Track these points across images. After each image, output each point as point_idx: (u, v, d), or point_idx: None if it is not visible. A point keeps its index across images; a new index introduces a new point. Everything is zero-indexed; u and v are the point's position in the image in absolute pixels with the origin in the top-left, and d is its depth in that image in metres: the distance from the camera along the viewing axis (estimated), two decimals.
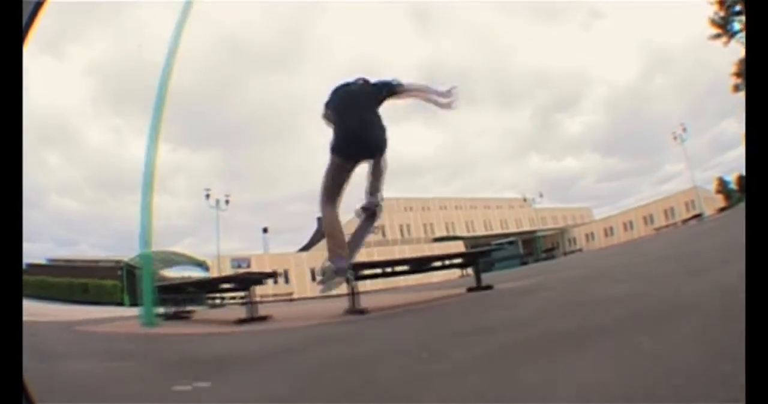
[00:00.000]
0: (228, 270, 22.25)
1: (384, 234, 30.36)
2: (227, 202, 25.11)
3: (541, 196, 33.11)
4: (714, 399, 1.19)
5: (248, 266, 24.31)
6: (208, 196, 25.07)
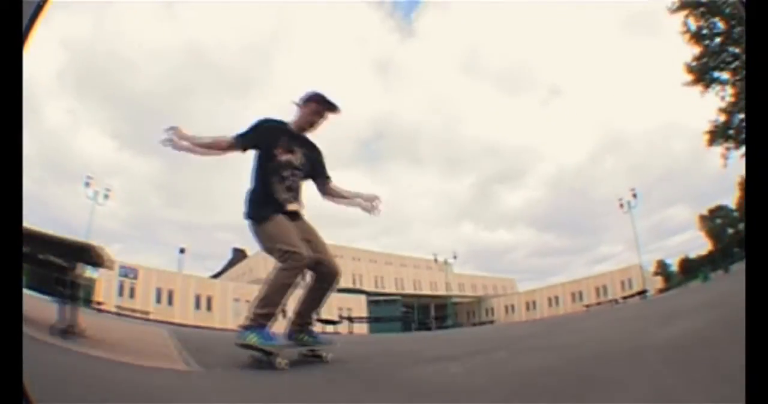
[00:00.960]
0: (115, 279, 20.71)
1: None
2: (107, 196, 23.39)
3: (455, 257, 30.32)
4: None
5: (135, 277, 23.43)
6: (87, 183, 23.00)
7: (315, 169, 2.84)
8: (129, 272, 23.96)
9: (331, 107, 2.78)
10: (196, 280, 24.91)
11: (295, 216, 2.66)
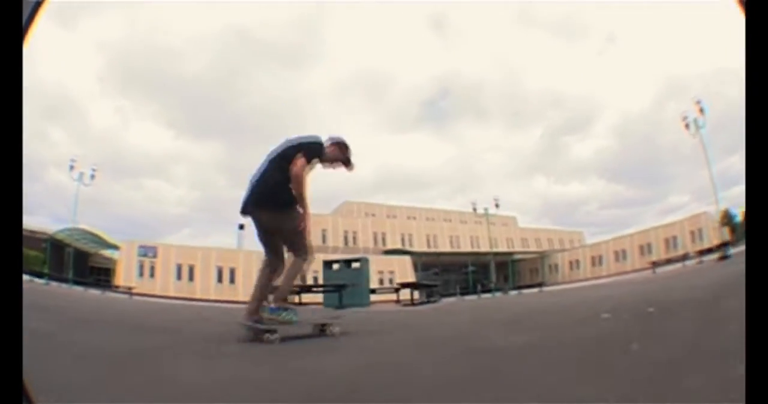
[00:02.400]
0: (135, 257, 21.33)
1: (324, 240, 27.92)
2: (93, 176, 23.06)
3: (497, 205, 27.89)
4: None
5: (154, 255, 23.57)
6: (72, 166, 22.64)
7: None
8: (148, 250, 23.61)
9: (346, 162, 3.26)
10: (216, 254, 24.64)
11: None
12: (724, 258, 14.37)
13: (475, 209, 29.85)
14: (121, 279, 21.84)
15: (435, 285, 17.52)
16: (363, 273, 13.90)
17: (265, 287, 3.03)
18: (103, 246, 25.35)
